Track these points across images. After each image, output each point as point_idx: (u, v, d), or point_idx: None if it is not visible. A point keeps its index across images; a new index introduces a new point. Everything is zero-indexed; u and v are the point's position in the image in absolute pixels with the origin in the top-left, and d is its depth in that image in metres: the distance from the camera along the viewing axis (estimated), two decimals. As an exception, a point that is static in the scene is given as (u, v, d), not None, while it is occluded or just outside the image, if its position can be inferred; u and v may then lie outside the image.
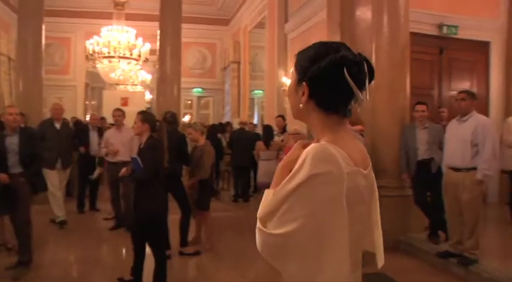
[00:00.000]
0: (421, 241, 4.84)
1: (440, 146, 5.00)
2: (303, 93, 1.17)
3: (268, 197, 1.15)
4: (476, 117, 4.18)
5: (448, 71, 7.28)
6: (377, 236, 1.29)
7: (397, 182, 5.12)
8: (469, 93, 4.32)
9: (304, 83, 1.16)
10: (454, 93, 7.33)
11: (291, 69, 1.24)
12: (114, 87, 11.99)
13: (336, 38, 6.16)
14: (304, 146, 1.20)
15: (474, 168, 4.03)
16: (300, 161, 1.07)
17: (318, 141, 1.16)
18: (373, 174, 1.23)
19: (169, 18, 7.77)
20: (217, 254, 4.94)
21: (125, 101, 12.93)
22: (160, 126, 4.02)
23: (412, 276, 4.20)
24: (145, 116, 3.95)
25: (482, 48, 7.52)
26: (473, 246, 4.10)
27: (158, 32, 7.83)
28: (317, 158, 1.05)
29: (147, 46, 10.08)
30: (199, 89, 14.75)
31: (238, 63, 13.14)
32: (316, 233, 1.04)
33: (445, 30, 6.92)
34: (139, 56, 10.01)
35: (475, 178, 4.00)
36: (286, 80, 8.12)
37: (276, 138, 7.29)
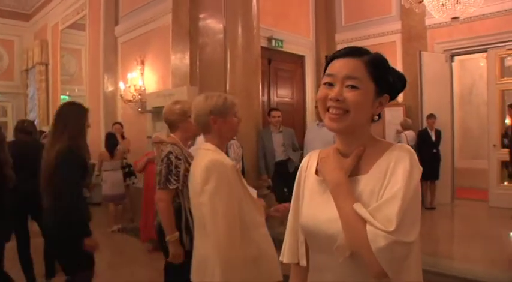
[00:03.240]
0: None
1: (293, 148, 5.62)
2: (380, 105, 1.16)
3: (360, 209, 1.04)
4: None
5: (275, 80, 8.12)
6: None
7: (256, 183, 5.50)
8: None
9: (387, 95, 1.16)
10: (279, 99, 8.30)
11: (356, 75, 1.11)
12: None
13: (185, 45, 6.23)
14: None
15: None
16: (406, 161, 1.07)
17: (361, 150, 1.16)
18: None
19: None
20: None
21: None
22: (3, 139, 3.46)
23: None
24: None
25: (299, 60, 8.66)
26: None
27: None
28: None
29: None
30: (-7, 94, 12.63)
31: (47, 65, 11.76)
32: None
33: (273, 43, 7.71)
34: None
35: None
36: (122, 86, 7.72)
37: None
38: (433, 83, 7.19)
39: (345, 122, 1.12)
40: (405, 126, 6.98)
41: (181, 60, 6.29)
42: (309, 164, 1.29)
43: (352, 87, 1.11)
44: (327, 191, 1.16)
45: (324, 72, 1.20)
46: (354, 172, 1.15)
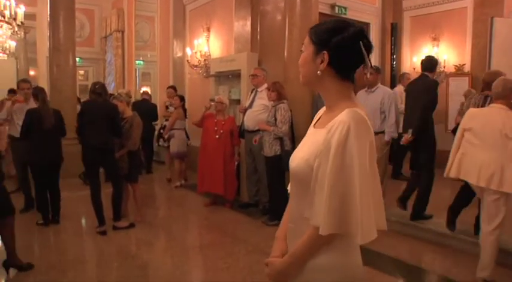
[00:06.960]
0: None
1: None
2: (322, 62, 1.33)
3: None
4: (382, 89, 4.92)
5: (337, 47, 8.10)
6: None
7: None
8: (375, 68, 5.02)
9: (324, 52, 1.32)
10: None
11: (304, 42, 1.39)
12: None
13: (246, 12, 6.45)
14: None
15: (382, 132, 4.77)
16: (344, 127, 1.22)
17: (329, 106, 1.38)
18: None
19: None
20: (150, 224, 4.98)
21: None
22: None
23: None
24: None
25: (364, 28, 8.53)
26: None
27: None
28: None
29: (23, 8, 9.03)
30: (77, 59, 13.67)
31: (123, 32, 12.52)
32: None
33: (336, 10, 7.68)
34: (14, 19, 8.91)
35: (383, 140, 4.74)
36: (189, 51, 8.15)
37: (171, 109, 7.49)
38: (504, 51, 6.81)
39: (301, 77, 1.44)
40: (468, 97, 6.74)
41: (243, 27, 6.53)
42: (315, 118, 1.52)
43: (301, 51, 1.43)
44: (307, 138, 1.45)
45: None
46: (319, 125, 1.41)
